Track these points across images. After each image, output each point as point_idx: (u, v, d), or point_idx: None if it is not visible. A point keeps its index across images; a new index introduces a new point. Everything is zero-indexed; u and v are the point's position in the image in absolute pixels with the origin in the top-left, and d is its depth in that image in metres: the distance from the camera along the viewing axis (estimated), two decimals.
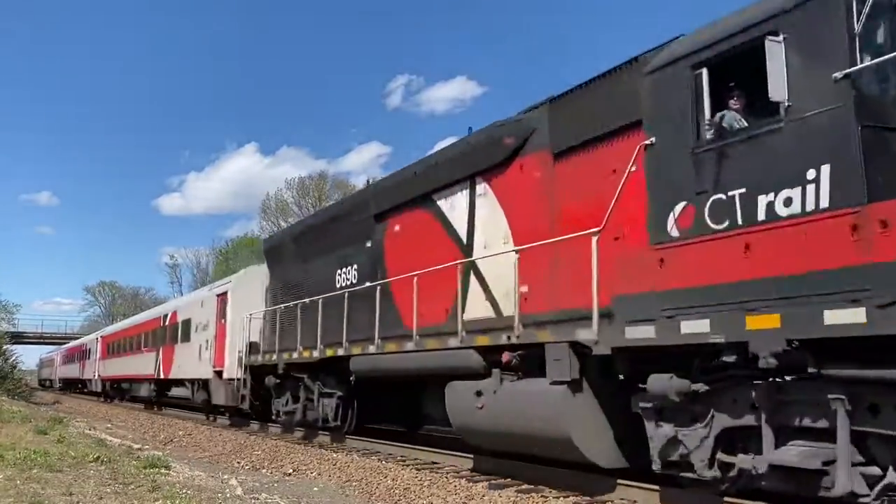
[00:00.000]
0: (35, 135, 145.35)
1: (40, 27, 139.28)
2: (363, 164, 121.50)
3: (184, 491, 7.01)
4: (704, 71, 6.21)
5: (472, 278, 9.48)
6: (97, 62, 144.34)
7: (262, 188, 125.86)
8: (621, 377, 7.16)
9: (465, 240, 9.87)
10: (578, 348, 7.25)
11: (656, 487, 7.43)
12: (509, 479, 8.94)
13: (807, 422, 5.60)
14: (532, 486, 8.39)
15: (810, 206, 5.30)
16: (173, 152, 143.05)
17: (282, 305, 15.22)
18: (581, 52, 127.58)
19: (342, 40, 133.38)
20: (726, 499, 6.64)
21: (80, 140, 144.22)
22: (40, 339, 75.21)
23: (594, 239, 7.00)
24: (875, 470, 5.24)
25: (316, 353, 12.95)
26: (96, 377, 41.00)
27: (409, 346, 10.12)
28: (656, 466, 6.77)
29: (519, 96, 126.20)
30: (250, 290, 18.10)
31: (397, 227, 11.47)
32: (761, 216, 5.65)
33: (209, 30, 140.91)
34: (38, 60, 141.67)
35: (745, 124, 6.13)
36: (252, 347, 16.58)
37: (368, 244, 12.22)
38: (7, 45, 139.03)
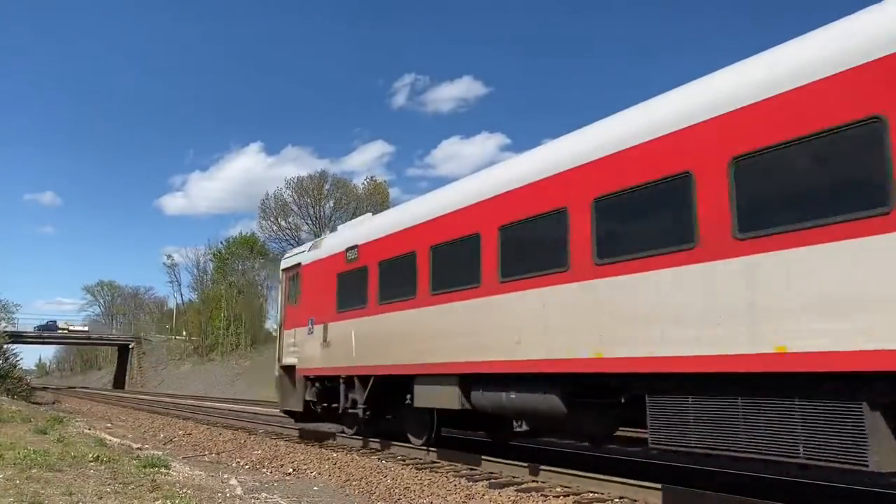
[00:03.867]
0: (39, 134, 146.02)
1: (44, 27, 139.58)
2: (367, 163, 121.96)
3: (183, 490, 6.99)
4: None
5: None
6: (102, 62, 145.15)
7: (266, 187, 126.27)
8: None
9: None
10: None
11: (658, 486, 7.44)
12: (509, 478, 8.95)
13: None
14: (532, 486, 8.39)
15: None
16: (177, 152, 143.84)
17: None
18: (585, 52, 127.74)
19: (348, 40, 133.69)
20: (729, 495, 6.65)
21: (84, 140, 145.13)
22: (39, 339, 75.25)
23: None
24: None
25: None
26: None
27: None
28: None
29: (523, 97, 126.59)
30: None
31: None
32: None
33: (214, 30, 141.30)
34: (42, 61, 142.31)
35: None
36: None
37: None
38: (12, 44, 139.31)
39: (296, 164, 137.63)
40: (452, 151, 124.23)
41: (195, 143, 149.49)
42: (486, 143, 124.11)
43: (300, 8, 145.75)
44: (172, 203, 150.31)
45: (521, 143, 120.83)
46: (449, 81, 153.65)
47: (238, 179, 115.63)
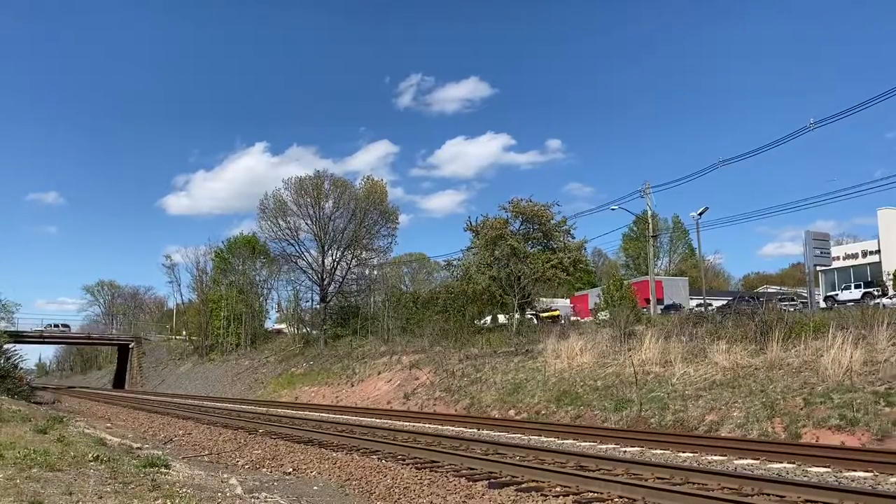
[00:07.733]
0: (44, 134, 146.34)
1: (49, 28, 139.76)
2: (371, 163, 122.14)
3: (183, 490, 6.99)
4: None
5: None
6: (106, 62, 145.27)
7: (270, 187, 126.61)
8: None
9: None
10: None
11: (657, 486, 7.44)
12: (509, 478, 8.95)
13: None
14: (532, 485, 8.39)
15: None
16: (181, 152, 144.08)
17: None
18: (590, 54, 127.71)
19: (354, 40, 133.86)
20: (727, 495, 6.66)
21: (89, 140, 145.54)
22: (39, 338, 75.14)
23: None
24: None
25: None
26: None
27: None
28: None
29: (529, 98, 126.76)
30: None
31: None
32: None
33: (219, 29, 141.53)
34: (45, 61, 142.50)
35: None
36: None
37: None
38: (16, 45, 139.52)
39: (300, 164, 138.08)
40: (456, 152, 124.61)
41: (200, 143, 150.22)
42: (490, 143, 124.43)
43: (306, 8, 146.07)
44: (176, 203, 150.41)
45: (526, 143, 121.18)
46: (455, 82, 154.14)
47: (242, 179, 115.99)
